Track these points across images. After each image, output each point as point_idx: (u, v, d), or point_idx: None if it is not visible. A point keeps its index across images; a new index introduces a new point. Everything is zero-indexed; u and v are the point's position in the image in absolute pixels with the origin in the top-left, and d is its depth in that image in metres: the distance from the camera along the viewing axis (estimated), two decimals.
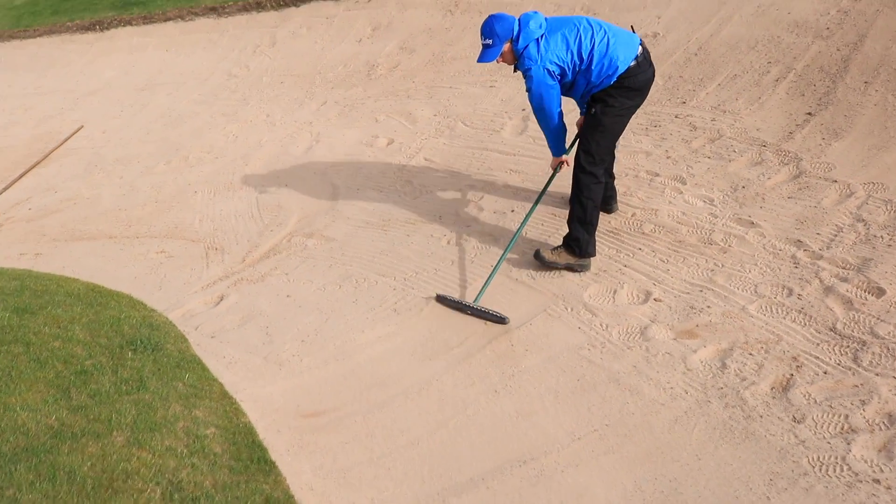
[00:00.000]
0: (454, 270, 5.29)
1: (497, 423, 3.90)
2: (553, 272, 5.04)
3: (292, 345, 4.73)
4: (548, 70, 4.67)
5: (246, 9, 11.95)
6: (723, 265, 4.81)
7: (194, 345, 4.59)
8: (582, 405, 3.96)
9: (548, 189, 5.34)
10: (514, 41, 4.68)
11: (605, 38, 4.69)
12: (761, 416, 3.70)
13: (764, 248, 4.87)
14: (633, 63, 4.73)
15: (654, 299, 4.65)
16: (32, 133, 10.59)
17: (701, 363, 4.11)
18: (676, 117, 6.71)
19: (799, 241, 4.86)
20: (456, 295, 4.98)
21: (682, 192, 5.64)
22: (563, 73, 4.74)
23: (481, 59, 4.81)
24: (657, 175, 5.92)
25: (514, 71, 4.93)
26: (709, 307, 4.49)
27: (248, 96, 10.06)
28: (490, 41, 4.69)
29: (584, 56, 4.69)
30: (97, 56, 13.31)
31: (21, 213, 7.85)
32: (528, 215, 5.28)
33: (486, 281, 4.93)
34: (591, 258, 5.05)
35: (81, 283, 5.09)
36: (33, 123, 11.04)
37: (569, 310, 4.69)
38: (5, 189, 8.60)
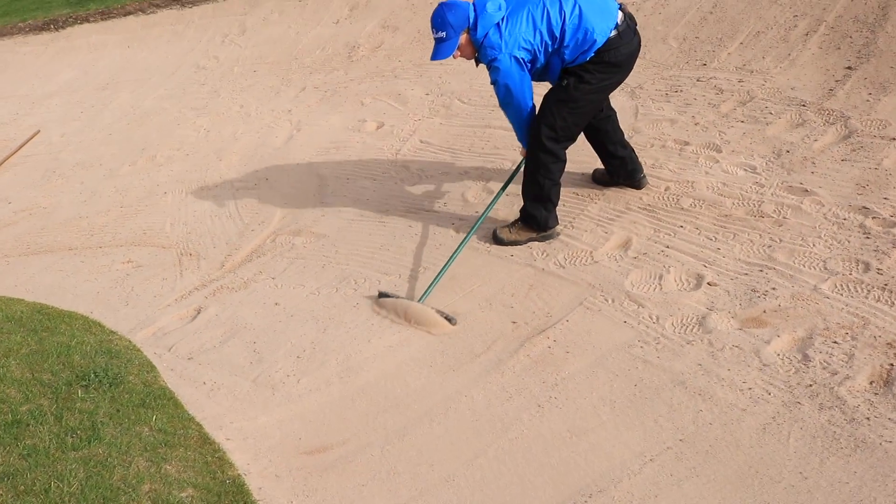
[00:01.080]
0: (468, 261, 4.56)
1: (548, 447, 3.17)
2: (585, 258, 4.34)
3: (286, 363, 3.97)
4: (516, 58, 4.03)
5: None
6: (781, 240, 4.14)
7: (167, 370, 3.82)
8: (647, 417, 3.24)
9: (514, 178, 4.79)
10: (472, 30, 4.03)
11: (577, 9, 4.04)
12: (868, 419, 3.01)
13: (825, 218, 4.21)
14: (612, 34, 4.10)
15: (708, 283, 3.96)
16: None
17: (778, 356, 3.42)
18: (699, 80, 6.03)
19: (865, 207, 4.21)
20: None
21: (718, 161, 4.97)
22: (533, 58, 4.10)
23: (435, 57, 4.15)
24: (687, 143, 5.25)
25: (477, 65, 4.27)
26: (774, 289, 3.81)
27: (219, 88, 9.27)
28: (443, 34, 4.05)
29: (556, 33, 4.05)
30: (53, 57, 12.43)
31: None
32: (490, 204, 4.70)
33: (434, 279, 4.30)
34: (557, 227, 4.65)
35: (26, 304, 4.27)
36: None
37: (610, 301, 3.98)
38: None
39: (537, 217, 4.55)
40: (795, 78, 5.66)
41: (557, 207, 4.63)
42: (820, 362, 3.32)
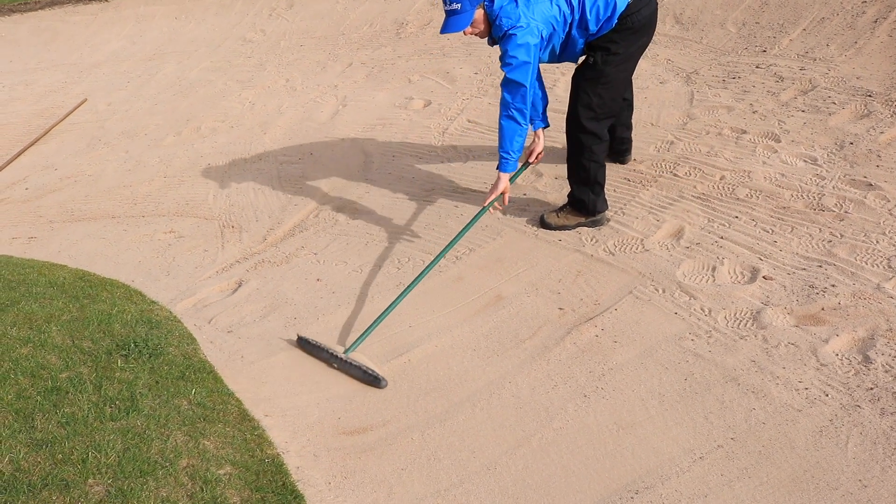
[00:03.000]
0: (515, 245, 4.45)
1: (593, 439, 3.06)
2: (635, 246, 4.21)
3: (326, 339, 3.89)
4: (532, 30, 3.85)
5: None
6: (842, 235, 3.96)
7: (206, 342, 3.76)
8: (697, 412, 3.11)
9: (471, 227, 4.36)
10: (488, 3, 3.83)
11: None
12: None
13: (891, 214, 4.04)
14: None
15: (764, 277, 3.80)
16: (33, 109, 9.80)
17: (836, 356, 3.27)
18: (758, 67, 5.83)
19: None
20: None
21: (776, 151, 4.79)
22: (551, 33, 3.98)
23: (445, 30, 3.92)
24: (744, 132, 5.07)
25: (492, 44, 4.10)
26: (833, 286, 3.64)
27: (265, 61, 9.22)
28: (458, 5, 3.81)
29: (574, 3, 3.95)
30: (102, 27, 12.50)
31: (17, 193, 7.06)
32: (453, 241, 4.30)
33: (370, 326, 3.80)
34: (606, 211, 4.51)
35: (68, 270, 4.22)
36: (34, 99, 10.24)
37: (660, 291, 3.84)
38: (1, 169, 7.82)
39: (585, 201, 4.43)
40: (861, 67, 5.44)
41: (606, 192, 4.50)
42: (882, 365, 3.16)
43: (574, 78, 4.26)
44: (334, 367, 3.64)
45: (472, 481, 2.92)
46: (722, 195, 4.50)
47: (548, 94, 4.81)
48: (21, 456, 2.54)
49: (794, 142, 4.84)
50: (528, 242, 4.47)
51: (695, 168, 4.79)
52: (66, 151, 8.00)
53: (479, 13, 3.88)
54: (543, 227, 4.57)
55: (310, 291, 4.39)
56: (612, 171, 4.94)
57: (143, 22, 12.08)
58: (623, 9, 3.97)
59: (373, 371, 3.54)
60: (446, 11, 3.88)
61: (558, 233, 4.49)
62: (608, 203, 4.54)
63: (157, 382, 3.05)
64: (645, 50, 4.31)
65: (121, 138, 7.96)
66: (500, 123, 4.11)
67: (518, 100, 3.97)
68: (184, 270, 4.95)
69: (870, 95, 5.09)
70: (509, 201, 4.49)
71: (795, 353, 3.31)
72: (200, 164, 6.73)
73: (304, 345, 3.80)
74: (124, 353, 3.23)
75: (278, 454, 2.88)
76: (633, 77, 4.71)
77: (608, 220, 4.52)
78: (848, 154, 4.60)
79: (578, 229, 4.48)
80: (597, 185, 4.41)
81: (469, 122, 6.19)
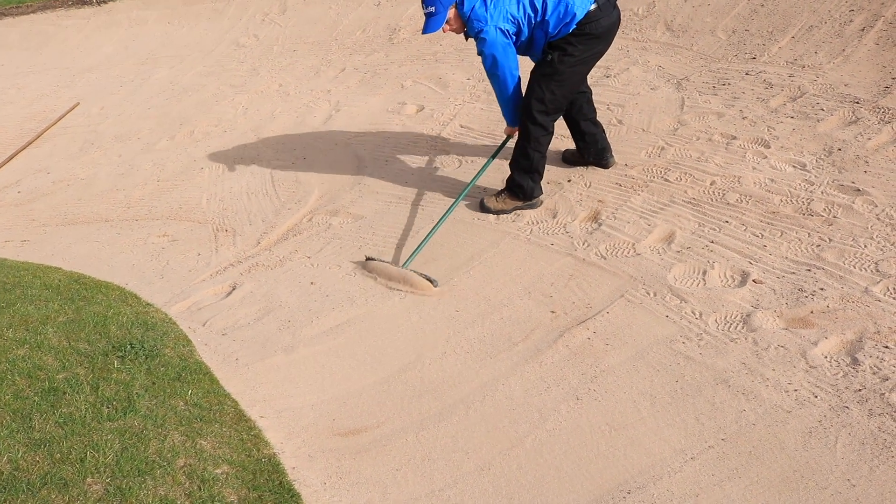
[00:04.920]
0: (506, 249, 4.49)
1: (586, 440, 3.10)
2: (627, 250, 4.25)
3: (321, 342, 3.92)
4: (501, 29, 4.27)
5: None
6: (830, 239, 4.01)
7: (202, 345, 3.77)
8: (688, 414, 3.15)
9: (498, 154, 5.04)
10: (459, 4, 4.25)
11: None
12: None
13: (878, 219, 4.08)
14: (592, 7, 4.32)
15: (754, 281, 3.84)
16: (25, 112, 9.80)
17: (825, 358, 3.31)
18: (747, 74, 5.89)
19: None
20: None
21: (766, 157, 4.84)
22: (517, 31, 4.39)
23: (426, 30, 4.41)
24: (734, 138, 5.12)
25: (467, 38, 4.47)
26: (822, 290, 3.69)
27: (259, 66, 9.25)
28: (433, 8, 4.29)
29: (538, 6, 4.31)
30: (95, 31, 12.50)
31: (9, 196, 7.06)
32: (474, 178, 4.98)
33: (420, 245, 4.54)
34: (541, 196, 4.90)
35: (63, 272, 4.23)
36: (26, 102, 10.24)
37: (651, 294, 3.88)
38: None
39: (524, 186, 4.77)
40: (849, 74, 5.50)
41: (594, 191, 4.76)
42: (870, 367, 3.20)
43: (532, 72, 4.59)
44: (395, 280, 4.34)
45: (465, 482, 2.95)
46: (712, 200, 4.54)
47: None
48: (20, 455, 2.56)
49: (784, 147, 4.90)
50: (521, 247, 4.50)
51: (686, 173, 4.84)
52: (59, 155, 8.00)
53: (451, 12, 4.32)
54: (483, 211, 4.93)
55: (304, 294, 4.41)
56: (603, 177, 5.00)
57: (136, 26, 12.09)
58: (582, 17, 4.29)
59: (427, 275, 4.28)
60: (425, 14, 4.34)
61: (550, 237, 4.53)
62: (542, 189, 4.89)
63: (153, 383, 3.07)
64: (602, 56, 4.62)
65: (114, 142, 7.96)
66: (499, 99, 4.67)
67: (497, 70, 4.44)
68: (178, 274, 4.96)
69: (857, 102, 5.15)
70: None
71: (785, 355, 3.35)
72: (194, 168, 6.74)
73: (370, 261, 4.55)
74: (120, 354, 3.25)
75: (274, 454, 2.90)
76: (595, 78, 5.10)
77: (542, 203, 4.89)
78: (836, 160, 4.65)
79: (570, 232, 4.52)
80: (536, 173, 4.76)
81: (462, 126, 6.23)
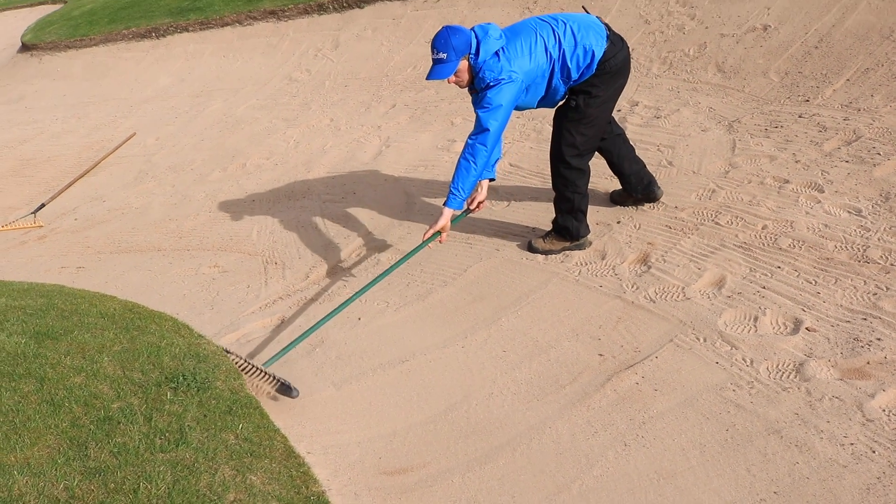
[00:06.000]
0: (555, 291, 4.47)
1: (633, 488, 3.06)
2: (676, 294, 4.21)
3: (368, 379, 3.94)
4: (512, 82, 4.15)
5: (307, 11, 11.39)
6: (887, 288, 3.92)
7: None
8: (738, 464, 3.09)
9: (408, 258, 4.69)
10: (472, 55, 4.10)
11: (569, 30, 4.28)
12: None
13: None
14: (606, 45, 4.33)
15: (807, 328, 3.77)
16: (84, 141, 10.11)
17: (883, 412, 3.22)
18: (800, 117, 5.83)
19: None
20: None
21: (820, 202, 4.77)
22: (528, 87, 4.30)
23: (432, 77, 4.20)
24: (787, 182, 5.05)
25: (472, 93, 4.34)
26: (879, 339, 3.60)
27: (310, 101, 9.43)
28: (444, 55, 4.09)
29: (555, 55, 4.26)
30: (152, 63, 12.89)
31: (66, 223, 7.27)
32: (378, 277, 4.57)
33: (290, 344, 4.08)
34: (588, 235, 4.89)
35: (118, 301, 4.34)
36: (85, 132, 10.57)
37: (701, 340, 3.83)
38: (52, 199, 8.05)
39: (569, 228, 4.77)
40: None
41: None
42: None
43: (557, 119, 4.60)
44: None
45: None
46: (764, 245, 4.49)
47: (502, 147, 5.01)
48: (75, 483, 2.61)
49: (838, 192, 4.83)
50: (569, 288, 4.49)
51: (737, 217, 4.80)
52: (115, 184, 8.22)
53: (463, 63, 4.15)
54: (531, 251, 4.91)
55: (352, 330, 4.45)
56: (653, 219, 4.97)
57: (192, 59, 12.43)
58: (601, 56, 4.29)
59: (286, 382, 3.75)
60: (433, 59, 4.17)
61: (599, 279, 4.51)
62: (589, 227, 4.87)
63: (204, 416, 3.11)
64: (623, 90, 4.64)
65: (168, 172, 8.16)
66: (458, 161, 4.31)
67: (482, 139, 4.22)
68: (227, 305, 5.04)
69: None
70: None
71: (840, 406, 3.27)
72: (245, 200, 6.87)
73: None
74: (173, 385, 3.30)
75: (323, 492, 2.90)
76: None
77: (591, 243, 4.88)
78: (893, 206, 4.56)
79: (619, 274, 4.50)
80: (580, 212, 4.75)
81: (511, 165, 6.26)
